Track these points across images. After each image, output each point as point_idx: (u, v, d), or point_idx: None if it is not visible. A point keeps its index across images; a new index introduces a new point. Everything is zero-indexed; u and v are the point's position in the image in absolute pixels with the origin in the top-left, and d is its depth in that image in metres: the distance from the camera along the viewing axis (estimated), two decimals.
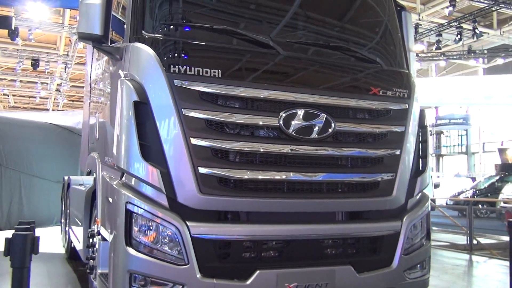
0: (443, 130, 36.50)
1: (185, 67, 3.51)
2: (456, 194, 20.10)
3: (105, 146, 4.29)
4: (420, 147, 4.41)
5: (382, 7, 4.66)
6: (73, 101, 43.15)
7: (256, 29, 3.99)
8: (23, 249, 1.99)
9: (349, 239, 3.98)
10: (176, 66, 3.49)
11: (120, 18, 4.12)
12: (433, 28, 21.65)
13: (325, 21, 4.43)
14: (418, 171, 4.34)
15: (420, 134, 4.40)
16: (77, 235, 6.06)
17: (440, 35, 21.25)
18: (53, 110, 42.34)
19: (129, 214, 3.44)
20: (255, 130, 3.67)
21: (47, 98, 39.32)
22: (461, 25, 19.81)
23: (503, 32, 24.46)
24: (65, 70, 27.84)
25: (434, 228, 13.65)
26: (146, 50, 3.56)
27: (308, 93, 3.82)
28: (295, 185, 3.78)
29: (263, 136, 3.69)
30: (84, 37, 3.69)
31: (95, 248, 4.37)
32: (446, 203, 18.41)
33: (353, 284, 3.88)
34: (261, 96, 3.67)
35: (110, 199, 3.73)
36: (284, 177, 3.71)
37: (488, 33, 24.08)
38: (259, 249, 3.66)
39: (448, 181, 28.39)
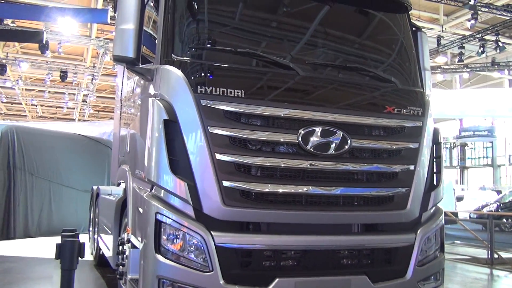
0: (468, 142, 36.14)
1: (210, 87, 3.80)
2: (480, 207, 19.93)
3: (135, 159, 4.61)
4: (434, 163, 4.60)
5: (397, 28, 4.90)
6: (98, 111, 44.17)
7: (276, 51, 4.28)
8: (71, 253, 2.28)
9: (365, 250, 4.19)
10: (203, 87, 3.79)
11: (150, 32, 4.45)
12: (456, 41, 21.61)
13: (342, 42, 4.70)
14: (432, 186, 4.54)
15: (434, 150, 4.60)
16: (107, 242, 6.38)
17: (463, 47, 21.21)
18: (79, 120, 43.45)
19: (158, 224, 3.73)
20: (276, 146, 3.93)
21: (74, 108, 40.35)
22: (484, 37, 19.74)
23: None
24: (91, 81, 28.61)
25: (456, 241, 13.68)
26: (175, 72, 3.86)
27: (326, 111, 4.07)
28: (313, 198, 4.01)
29: (283, 152, 3.95)
30: (118, 59, 4.02)
31: (125, 255, 4.68)
32: (470, 217, 18.30)
33: None
34: (281, 115, 3.93)
35: (141, 209, 4.03)
36: (302, 190, 3.95)
37: None
38: (278, 258, 3.90)
39: (473, 194, 28.06)
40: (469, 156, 39.04)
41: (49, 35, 19.70)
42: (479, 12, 17.58)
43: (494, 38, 19.76)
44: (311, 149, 3.95)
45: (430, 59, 25.56)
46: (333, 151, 4.02)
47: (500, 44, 19.12)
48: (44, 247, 10.18)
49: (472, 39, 20.59)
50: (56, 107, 42.36)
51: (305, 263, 3.98)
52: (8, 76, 26.98)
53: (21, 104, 40.77)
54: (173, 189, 3.75)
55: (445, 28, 22.80)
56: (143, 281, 3.81)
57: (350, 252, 4.15)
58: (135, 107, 4.85)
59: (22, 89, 33.16)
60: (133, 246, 4.21)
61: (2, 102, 39.64)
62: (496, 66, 23.82)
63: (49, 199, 12.22)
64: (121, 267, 4.77)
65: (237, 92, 3.84)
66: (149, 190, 3.98)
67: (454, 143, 37.89)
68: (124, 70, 5.96)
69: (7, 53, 26.01)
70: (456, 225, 13.13)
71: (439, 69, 25.00)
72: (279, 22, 4.58)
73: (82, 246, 2.74)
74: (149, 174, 3.88)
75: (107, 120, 44.51)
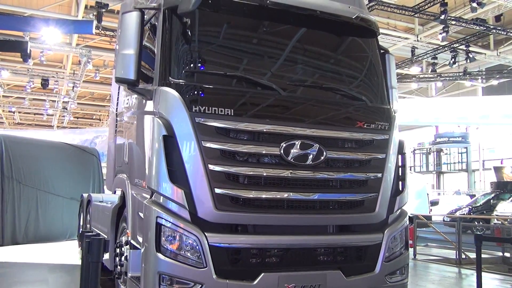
0: (443, 148, 37.35)
1: (204, 107, 4.38)
2: (453, 211, 20.87)
3: (134, 169, 5.16)
4: (400, 171, 5.27)
5: (367, 51, 5.55)
6: (77, 117, 44.20)
7: (261, 74, 4.89)
8: (98, 248, 2.82)
9: (338, 248, 4.82)
10: (197, 106, 4.37)
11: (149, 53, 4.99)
12: (429, 51, 22.53)
13: (318, 65, 5.35)
14: (397, 191, 5.20)
15: (399, 159, 5.26)
16: None
17: (436, 58, 22.16)
18: (57, 127, 43.40)
19: (158, 226, 4.28)
20: (260, 158, 4.53)
21: (52, 115, 40.32)
22: (456, 47, 20.71)
23: (499, 53, 25.40)
24: (73, 89, 28.77)
25: (429, 244, 14.46)
26: (172, 93, 4.43)
27: (304, 127, 4.69)
28: (294, 203, 4.62)
29: (267, 162, 4.55)
30: (120, 81, 4.58)
31: (123, 256, 5.21)
32: (444, 220, 19.17)
33: (342, 286, 4.70)
34: (265, 130, 4.53)
35: (141, 214, 4.57)
36: (284, 196, 4.56)
37: (485, 54, 25.00)
38: (263, 255, 4.49)
39: (448, 198, 29.10)
40: (445, 162, 40.29)
41: (32, 43, 19.93)
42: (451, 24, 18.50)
43: (465, 48, 20.72)
44: (292, 160, 4.56)
45: (406, 69, 26.44)
46: (311, 162, 4.64)
47: (470, 55, 20.13)
48: (32, 253, 10.58)
49: (444, 50, 21.53)
50: (35, 114, 42.24)
51: (287, 260, 4.57)
52: None
53: None
54: (171, 196, 4.31)
55: (420, 38, 23.64)
56: (145, 277, 4.35)
57: (326, 250, 4.77)
58: (133, 122, 5.39)
59: (1, 96, 33.08)
60: (134, 247, 4.75)
61: None
62: (468, 76, 24.92)
63: (36, 206, 12.55)
64: (119, 267, 5.30)
65: (227, 111, 4.43)
66: (149, 197, 4.52)
67: (430, 148, 39.05)
68: (119, 88, 6.49)
69: None
70: (430, 228, 13.89)
71: (414, 78, 25.95)
72: (262, 48, 5.19)
73: (106, 242, 3.28)
74: (149, 182, 4.44)
75: (87, 127, 44.75)
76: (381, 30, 22.08)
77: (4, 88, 31.23)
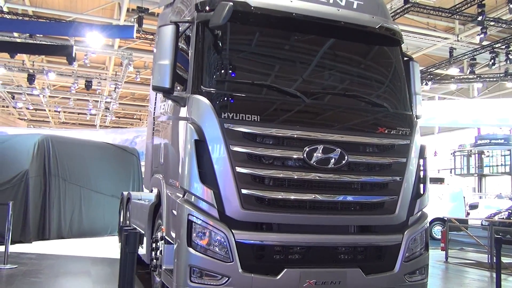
0: (484, 150, 36.50)
1: (232, 113, 4.76)
2: (492, 215, 20.51)
3: (169, 170, 5.60)
4: (421, 175, 5.49)
5: (390, 59, 5.80)
6: (119, 117, 45.62)
7: (286, 82, 5.23)
8: (135, 240, 3.23)
9: (359, 248, 5.11)
10: (226, 113, 4.76)
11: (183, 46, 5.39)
12: (467, 53, 22.18)
13: (342, 73, 5.65)
14: (418, 194, 5.43)
15: (420, 164, 5.49)
16: None
17: (474, 59, 21.81)
18: (100, 126, 44.98)
19: (190, 223, 4.68)
20: (285, 161, 4.87)
21: (95, 115, 41.84)
22: (496, 48, 20.32)
23: None
24: (114, 90, 29.85)
25: (464, 247, 14.36)
26: (203, 101, 4.83)
27: (326, 132, 5.00)
28: (316, 204, 4.94)
29: (291, 165, 4.88)
30: (157, 89, 5.01)
31: (159, 251, 5.65)
32: (482, 224, 18.89)
33: (361, 283, 4.99)
34: (289, 135, 4.87)
35: (175, 212, 5.00)
36: (306, 197, 4.89)
37: None
38: (286, 252, 4.83)
39: (488, 202, 28.50)
40: (487, 164, 39.35)
41: (76, 46, 20.87)
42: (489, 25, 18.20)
43: (505, 49, 20.28)
44: (314, 163, 4.88)
45: (444, 70, 25.94)
46: (333, 165, 4.94)
47: (510, 56, 19.72)
48: (76, 247, 11.28)
49: (483, 51, 21.17)
50: (78, 114, 43.95)
51: (308, 257, 4.90)
52: (34, 84, 28.35)
53: (44, 110, 42.47)
54: (201, 195, 4.71)
55: (461, 38, 23.21)
56: (177, 270, 4.77)
57: (346, 248, 5.06)
58: (169, 126, 5.84)
59: (48, 96, 34.63)
60: (167, 243, 5.18)
61: (28, 109, 41.34)
62: (509, 77, 24.36)
63: (80, 203, 13.32)
64: (155, 260, 5.75)
65: (254, 117, 4.80)
66: (181, 196, 4.94)
67: (471, 150, 38.21)
68: (156, 94, 6.96)
69: (33, 61, 27.50)
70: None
71: (452, 79, 25.56)
72: (287, 58, 5.53)
73: (142, 236, 3.71)
74: (182, 183, 4.86)
75: (128, 126, 46.16)
76: (420, 31, 22.03)
77: (51, 89, 32.77)
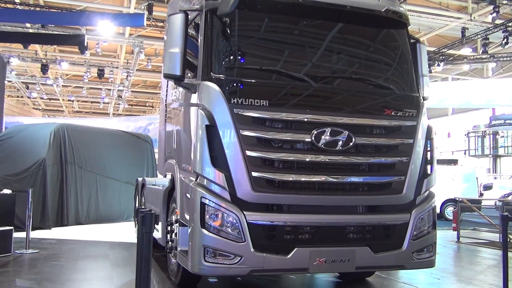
0: (499, 130, 36.17)
1: (241, 99, 4.92)
2: (506, 195, 20.49)
3: (182, 155, 5.78)
4: (428, 155, 5.61)
5: (397, 41, 5.88)
6: (131, 105, 45.99)
7: (293, 67, 5.36)
8: (150, 221, 3.42)
9: (367, 227, 5.26)
10: (235, 99, 4.91)
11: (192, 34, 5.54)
12: (480, 32, 21.92)
13: (348, 56, 5.77)
14: (425, 174, 5.55)
15: (427, 144, 5.60)
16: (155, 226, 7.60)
17: (487, 38, 21.57)
18: (113, 114, 45.42)
19: (203, 206, 4.88)
20: (293, 144, 5.03)
21: (108, 103, 42.24)
22: (508, 28, 20.06)
23: None
24: (126, 78, 30.11)
25: (477, 227, 14.42)
26: (213, 87, 4.99)
27: (333, 115, 5.14)
28: (324, 185, 5.10)
29: (300, 148, 5.04)
30: (168, 76, 5.17)
31: (174, 233, 5.87)
32: (495, 204, 18.90)
33: (370, 261, 5.17)
34: (297, 119, 5.02)
35: (188, 195, 5.19)
36: (315, 179, 5.04)
37: None
38: (296, 232, 5.01)
39: (503, 182, 28.37)
40: (502, 145, 38.99)
41: (88, 35, 21.05)
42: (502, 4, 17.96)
43: None
44: (322, 146, 5.03)
45: (456, 50, 25.58)
46: (340, 147, 5.09)
47: None
48: (94, 232, 11.61)
49: (496, 30, 20.90)
50: (92, 102, 44.41)
51: (318, 237, 5.07)
52: (47, 74, 28.72)
53: (58, 100, 43.00)
54: (213, 179, 4.89)
55: (474, 17, 22.85)
56: (191, 250, 4.97)
57: (355, 228, 5.23)
58: (181, 113, 6.01)
59: (61, 85, 35.03)
60: (182, 225, 5.38)
61: (42, 99, 41.89)
62: None
63: (96, 190, 13.63)
64: (170, 243, 5.97)
65: (262, 102, 4.95)
66: (194, 179, 5.13)
67: (486, 131, 37.88)
68: (168, 81, 7.12)
69: (46, 51, 27.85)
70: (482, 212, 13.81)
71: (465, 59, 25.30)
72: (294, 43, 5.66)
73: (157, 216, 3.89)
74: (195, 167, 5.04)
75: (141, 114, 46.57)
76: (432, 11, 21.71)
77: (64, 78, 33.15)
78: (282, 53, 5.58)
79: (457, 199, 13.12)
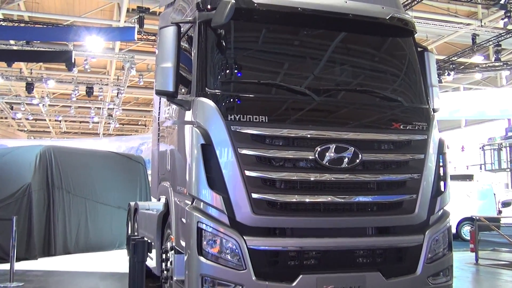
0: None
1: (239, 115, 4.91)
2: None
3: (176, 177, 5.75)
4: (441, 171, 5.58)
5: (403, 50, 5.91)
6: (123, 124, 46.09)
7: (293, 80, 5.37)
8: (143, 249, 3.38)
9: (378, 250, 5.20)
10: (232, 115, 4.90)
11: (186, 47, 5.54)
12: (491, 39, 22.03)
13: (352, 67, 5.79)
14: (438, 192, 5.52)
15: (439, 159, 5.58)
16: (149, 254, 7.53)
17: (499, 45, 21.67)
18: (103, 134, 45.48)
19: (200, 231, 4.83)
20: (296, 162, 5.00)
21: (98, 123, 42.30)
22: None
23: None
24: (117, 95, 30.21)
25: (497, 248, 14.31)
26: (209, 104, 4.98)
27: (338, 131, 5.12)
28: (330, 206, 5.06)
29: (303, 167, 5.01)
30: (160, 93, 5.17)
31: (169, 261, 5.81)
32: None
33: (382, 287, 5.09)
34: (299, 135, 5.00)
35: (184, 220, 5.14)
36: (321, 199, 5.00)
37: None
38: (302, 257, 4.95)
39: None
40: None
41: (76, 51, 21.15)
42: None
43: None
44: (327, 163, 5.00)
45: (467, 58, 25.64)
46: (346, 165, 5.06)
47: None
48: (84, 262, 11.51)
49: (508, 36, 21.03)
50: (80, 122, 44.49)
51: (325, 262, 5.01)
52: (33, 93, 28.80)
53: (44, 120, 43.07)
54: (210, 201, 4.86)
55: (484, 23, 22.93)
56: (188, 280, 4.91)
57: (364, 251, 5.17)
58: (174, 131, 6.00)
59: (48, 105, 35.11)
60: (178, 252, 5.33)
61: (28, 119, 41.95)
62: None
63: (86, 216, 13.57)
64: (165, 272, 5.90)
65: (261, 118, 4.94)
66: (190, 203, 5.09)
67: (502, 144, 37.82)
68: (160, 98, 7.13)
69: (31, 69, 27.98)
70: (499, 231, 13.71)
71: (476, 68, 25.39)
72: (294, 54, 5.68)
73: (150, 244, 3.86)
74: (190, 189, 5.01)
75: (133, 133, 46.63)
76: (440, 17, 21.82)
77: (50, 97, 33.24)
78: (282, 65, 5.59)
79: (474, 217, 13.03)
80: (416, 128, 5.48)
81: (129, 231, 10.98)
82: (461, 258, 12.00)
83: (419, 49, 6.01)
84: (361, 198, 5.16)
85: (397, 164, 5.34)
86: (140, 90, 32.81)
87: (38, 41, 20.26)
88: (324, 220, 5.05)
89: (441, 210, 5.56)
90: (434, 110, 5.81)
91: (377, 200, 5.23)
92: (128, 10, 20.49)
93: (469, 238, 13.61)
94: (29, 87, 26.01)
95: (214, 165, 4.86)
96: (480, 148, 38.59)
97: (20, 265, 10.09)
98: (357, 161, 5.09)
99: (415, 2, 18.29)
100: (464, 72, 26.53)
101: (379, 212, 5.24)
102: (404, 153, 5.37)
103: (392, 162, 5.32)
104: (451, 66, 25.38)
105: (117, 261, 11.55)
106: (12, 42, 20.91)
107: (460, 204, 16.98)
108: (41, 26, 19.20)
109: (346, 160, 5.06)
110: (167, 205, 6.13)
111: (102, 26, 19.87)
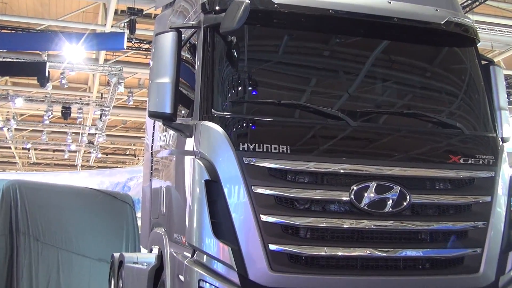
0: None
1: (253, 144, 4.90)
2: None
3: (173, 222, 5.74)
4: None
5: (463, 64, 5.90)
6: (106, 154, 46.24)
7: (323, 100, 5.39)
8: None
9: None
10: (245, 144, 4.90)
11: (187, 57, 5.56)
12: None
13: (397, 85, 5.78)
14: (510, 245, 5.42)
15: (511, 203, 5.50)
16: None
17: None
18: (82, 166, 45.70)
19: None
20: (326, 205, 4.97)
21: (76, 152, 42.51)
22: None
23: None
24: (100, 117, 30.32)
25: None
26: (215, 129, 4.99)
27: (380, 165, 5.09)
28: (370, 262, 4.99)
29: (334, 211, 4.97)
30: (154, 115, 5.20)
31: None
32: None
33: None
34: (331, 170, 4.98)
35: (182, 277, 5.10)
36: (357, 253, 4.94)
37: None
38: None
39: None
40: None
41: (50, 62, 21.31)
42: None
43: None
44: (365, 207, 4.95)
45: None
46: (390, 209, 5.00)
47: None
48: None
49: None
50: (54, 151, 44.80)
51: None
52: None
53: (9, 148, 43.47)
54: (216, 254, 4.82)
55: None
56: None
57: None
58: (172, 164, 6.01)
59: (14, 129, 35.47)
60: None
61: None
62: None
63: (57, 270, 13.46)
64: None
65: (282, 148, 4.93)
66: (190, 255, 5.05)
67: None
68: (154, 123, 7.19)
69: None
70: None
71: None
72: (325, 68, 5.71)
73: None
74: (190, 238, 4.98)
75: (119, 166, 46.86)
76: (509, 22, 21.73)
77: (18, 119, 33.51)
78: (308, 82, 5.61)
79: None
80: (481, 162, 5.42)
81: None
82: None
83: (483, 62, 6.00)
84: (409, 252, 5.09)
85: (456, 208, 5.28)
86: (129, 111, 32.98)
87: (4, 50, 20.56)
88: (361, 281, 4.97)
89: None
90: (504, 140, 5.77)
91: (430, 255, 5.15)
92: (116, 12, 20.67)
93: None
94: None
95: (221, 208, 4.84)
96: None
97: None
98: (404, 204, 5.04)
99: (477, 3, 18.31)
100: None
101: (433, 270, 5.15)
102: (465, 195, 5.31)
103: (449, 206, 5.25)
104: None
105: None
106: None
107: None
108: (8, 31, 19.50)
109: (390, 202, 5.01)
110: (160, 257, 6.09)
111: (84, 32, 20.12)
